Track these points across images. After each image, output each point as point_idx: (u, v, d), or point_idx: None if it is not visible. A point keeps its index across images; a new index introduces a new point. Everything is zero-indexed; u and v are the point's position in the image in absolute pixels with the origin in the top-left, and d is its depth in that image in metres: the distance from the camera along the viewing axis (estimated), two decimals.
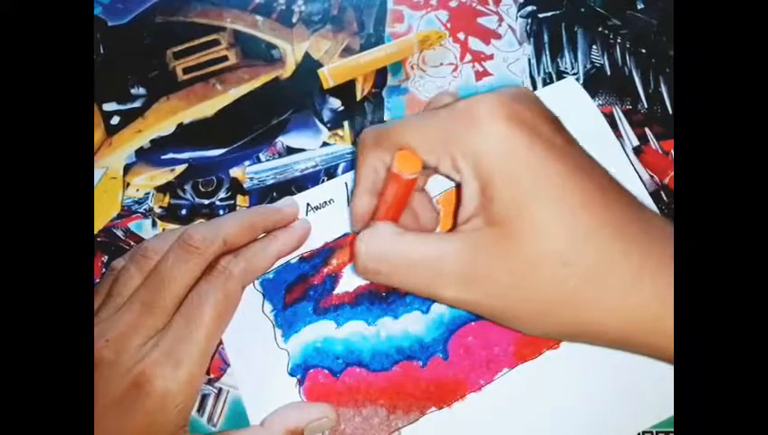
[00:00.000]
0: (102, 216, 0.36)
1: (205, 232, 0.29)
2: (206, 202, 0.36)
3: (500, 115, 0.23)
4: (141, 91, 0.39)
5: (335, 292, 0.32)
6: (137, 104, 0.39)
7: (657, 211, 0.33)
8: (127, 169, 0.37)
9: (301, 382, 0.30)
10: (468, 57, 0.39)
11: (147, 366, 0.26)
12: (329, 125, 0.38)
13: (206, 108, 0.39)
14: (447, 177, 0.26)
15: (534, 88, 0.38)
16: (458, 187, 0.25)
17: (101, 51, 0.41)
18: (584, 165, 0.24)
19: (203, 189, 0.36)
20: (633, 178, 0.34)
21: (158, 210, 0.36)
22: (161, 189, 0.37)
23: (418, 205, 0.29)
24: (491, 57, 0.39)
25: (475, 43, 0.40)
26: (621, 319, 0.22)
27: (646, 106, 0.37)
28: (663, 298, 0.21)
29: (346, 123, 0.38)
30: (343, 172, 0.36)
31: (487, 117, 0.23)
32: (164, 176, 0.37)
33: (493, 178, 0.23)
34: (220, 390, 0.31)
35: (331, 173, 0.36)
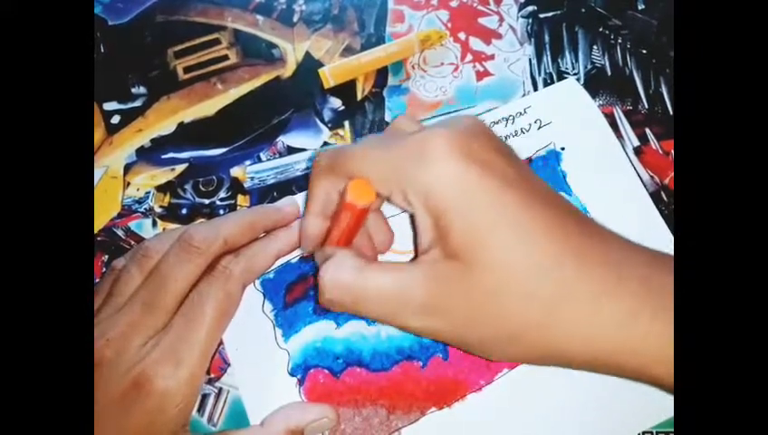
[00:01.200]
0: (103, 215, 0.36)
1: (205, 232, 0.29)
2: (207, 202, 0.36)
3: (451, 151, 0.23)
4: (142, 90, 0.39)
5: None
6: (137, 103, 0.39)
7: (655, 213, 0.33)
8: (127, 168, 0.37)
9: (301, 382, 0.30)
10: (469, 57, 0.39)
11: (147, 366, 0.26)
12: (329, 125, 0.38)
13: (207, 107, 0.39)
14: (400, 208, 0.26)
15: (535, 88, 0.38)
16: (412, 217, 0.25)
17: (102, 50, 0.41)
18: (539, 194, 0.24)
19: (203, 189, 0.36)
20: (633, 179, 0.34)
21: (158, 210, 0.36)
22: (162, 189, 0.37)
23: (373, 226, 0.30)
24: (492, 57, 0.39)
25: (475, 43, 0.40)
26: (584, 344, 0.22)
27: (646, 106, 0.37)
28: (623, 320, 0.22)
29: (347, 123, 0.38)
30: None
31: (439, 153, 0.24)
32: (164, 175, 0.37)
33: (446, 213, 0.23)
34: (220, 390, 0.31)
35: None
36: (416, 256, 0.26)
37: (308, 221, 0.29)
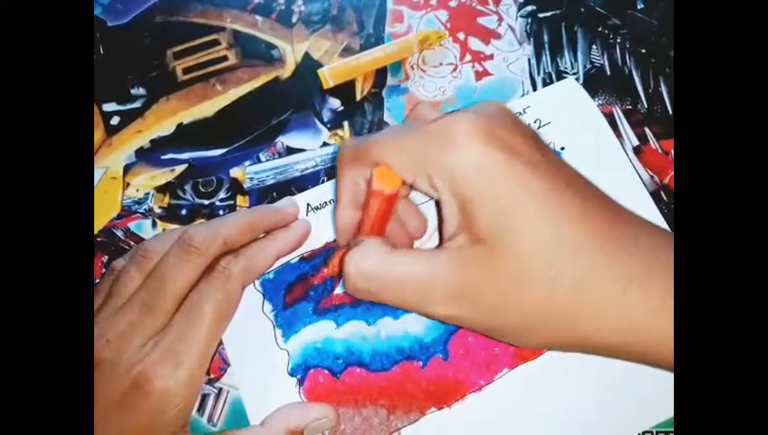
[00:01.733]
0: (102, 216, 0.36)
1: (205, 232, 0.29)
2: (206, 202, 0.36)
3: (476, 135, 0.23)
4: (141, 91, 0.39)
5: (335, 292, 0.32)
6: (137, 104, 0.39)
7: (655, 213, 0.33)
8: (127, 169, 0.37)
9: (301, 383, 0.30)
10: (468, 57, 0.39)
11: (147, 366, 0.26)
12: (329, 125, 0.38)
13: (206, 108, 0.39)
14: (426, 194, 0.26)
15: (534, 88, 0.38)
16: (438, 204, 0.25)
17: (101, 51, 0.41)
18: (565, 179, 0.24)
19: (203, 190, 0.36)
20: (633, 178, 0.34)
21: (158, 210, 0.36)
22: (161, 189, 0.37)
23: (404, 214, 0.30)
24: (491, 57, 0.39)
25: (474, 43, 0.40)
26: (611, 329, 0.22)
27: (646, 106, 0.37)
28: (652, 307, 0.21)
29: (346, 123, 0.38)
30: None
31: (463, 138, 0.23)
32: (164, 176, 0.37)
33: (472, 198, 0.23)
34: (220, 390, 0.31)
35: (331, 173, 0.36)
36: (440, 243, 0.25)
37: (339, 213, 0.28)
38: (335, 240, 0.33)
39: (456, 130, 0.24)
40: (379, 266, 0.25)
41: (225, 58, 0.40)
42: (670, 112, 0.37)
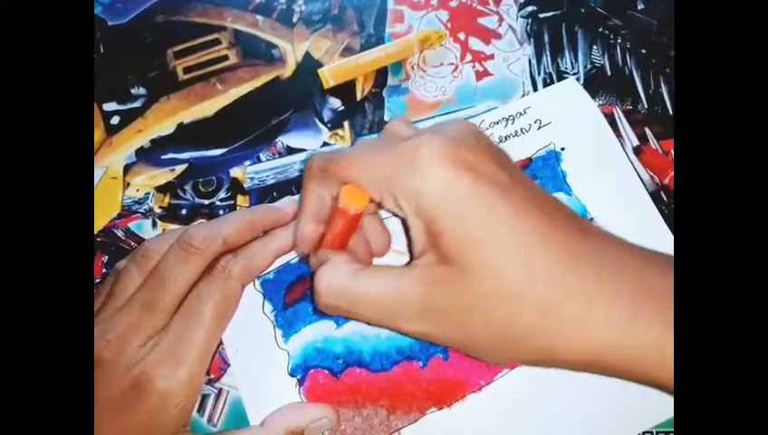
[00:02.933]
0: (102, 216, 0.36)
1: (205, 232, 0.29)
2: (207, 202, 0.36)
3: (441, 158, 0.23)
4: (141, 90, 0.39)
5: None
6: (137, 104, 0.39)
7: (655, 213, 0.33)
8: (127, 168, 0.37)
9: (301, 383, 0.30)
10: (468, 57, 0.39)
11: (147, 366, 0.26)
12: (329, 125, 0.38)
13: (207, 108, 0.39)
14: (392, 213, 0.26)
15: (535, 88, 0.38)
16: (404, 222, 0.26)
17: (101, 51, 0.41)
18: (531, 198, 0.24)
19: (203, 189, 0.36)
20: (633, 179, 0.34)
21: (158, 210, 0.36)
22: (161, 189, 0.37)
23: (369, 229, 0.30)
24: (491, 57, 0.39)
25: (475, 43, 0.40)
26: (579, 346, 0.22)
27: (646, 106, 0.37)
28: (620, 323, 0.22)
29: (346, 123, 0.38)
30: None
31: (428, 161, 0.24)
32: (164, 176, 0.37)
33: (437, 219, 0.23)
34: (220, 390, 0.31)
35: None
36: (411, 259, 0.26)
37: (302, 225, 0.28)
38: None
39: (421, 153, 0.24)
40: (349, 284, 0.25)
41: (225, 57, 0.40)
42: (670, 113, 0.37)
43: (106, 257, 0.35)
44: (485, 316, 0.23)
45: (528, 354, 0.24)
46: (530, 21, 0.40)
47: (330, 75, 0.38)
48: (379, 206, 0.26)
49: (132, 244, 0.35)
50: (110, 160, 0.37)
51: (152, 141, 0.38)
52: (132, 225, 0.36)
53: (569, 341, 0.22)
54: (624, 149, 0.35)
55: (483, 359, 0.25)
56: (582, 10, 0.40)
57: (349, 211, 0.26)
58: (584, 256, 0.23)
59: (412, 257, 0.25)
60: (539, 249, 0.23)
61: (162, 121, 0.38)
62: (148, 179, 0.37)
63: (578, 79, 0.38)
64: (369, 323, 0.26)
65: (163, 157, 0.37)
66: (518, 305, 0.22)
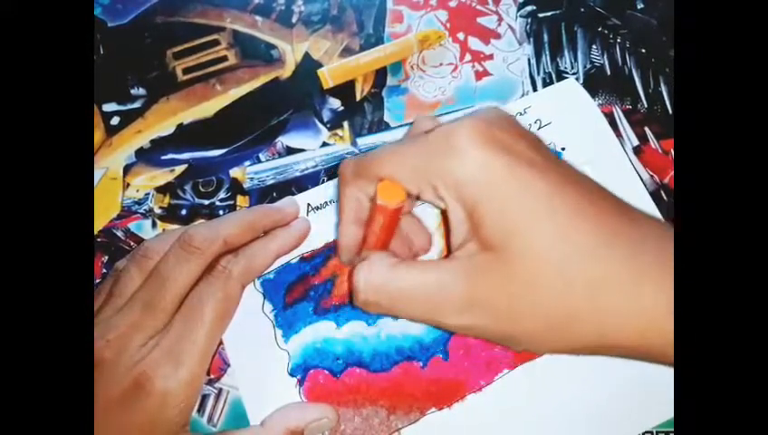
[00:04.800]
0: (102, 216, 0.36)
1: (205, 232, 0.29)
2: (206, 202, 0.36)
3: (478, 142, 0.23)
4: (141, 91, 0.39)
5: (335, 292, 0.32)
6: (137, 105, 0.39)
7: (655, 213, 0.33)
8: (127, 169, 0.37)
9: (301, 383, 0.30)
10: (468, 57, 0.39)
11: (147, 366, 0.26)
12: (328, 125, 0.38)
13: (206, 108, 0.39)
14: (432, 204, 0.26)
15: (534, 88, 0.38)
16: (444, 212, 0.25)
17: (101, 51, 0.41)
18: (569, 178, 0.24)
19: (203, 190, 0.36)
20: (633, 178, 0.34)
21: (158, 211, 0.36)
22: (161, 190, 0.37)
23: (409, 229, 0.29)
24: (491, 57, 0.39)
25: (474, 43, 0.40)
26: (627, 328, 0.22)
27: (646, 106, 0.37)
28: (667, 301, 0.21)
29: (346, 123, 0.38)
30: None
31: (465, 145, 0.23)
32: (164, 176, 0.37)
33: (478, 204, 0.23)
34: (220, 390, 0.31)
35: (331, 173, 0.36)
36: (449, 253, 0.25)
37: (343, 231, 0.28)
38: (335, 240, 0.33)
39: (457, 136, 0.23)
40: (388, 280, 0.24)
41: (224, 58, 0.40)
42: (670, 112, 0.37)
43: (106, 258, 0.35)
44: (532, 303, 0.22)
45: (577, 341, 0.23)
46: (529, 21, 0.40)
47: (329, 75, 0.38)
48: (418, 198, 0.26)
49: (132, 244, 0.35)
50: (109, 161, 0.37)
51: (152, 142, 0.38)
52: (132, 225, 0.36)
53: (618, 323, 0.22)
54: (624, 149, 0.35)
55: (530, 349, 0.24)
56: (582, 10, 0.40)
57: (389, 206, 0.25)
58: (628, 236, 0.22)
59: (451, 249, 0.25)
60: (581, 229, 0.22)
61: (162, 122, 0.38)
62: (147, 180, 0.37)
63: (577, 78, 0.38)
64: (410, 320, 0.25)
65: (163, 157, 0.37)
66: (564, 289, 0.22)
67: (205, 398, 0.31)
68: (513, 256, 0.22)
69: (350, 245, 0.28)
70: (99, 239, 0.35)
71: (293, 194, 0.35)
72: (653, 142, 0.36)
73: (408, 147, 0.25)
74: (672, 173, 0.35)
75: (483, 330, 0.24)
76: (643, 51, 0.39)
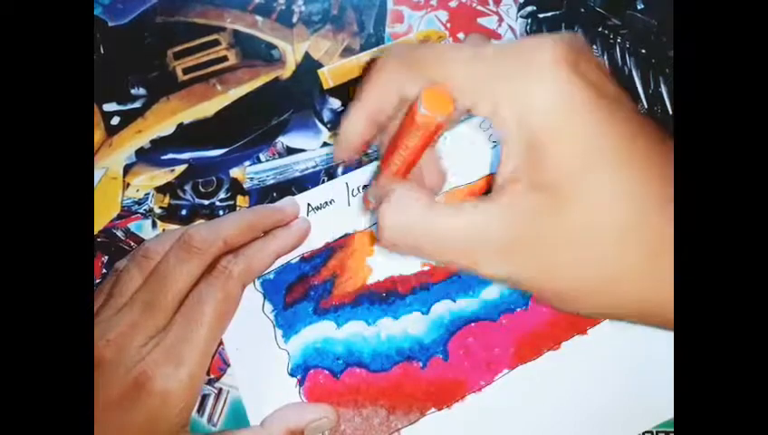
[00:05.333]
0: (102, 216, 0.36)
1: (205, 232, 0.29)
2: (206, 202, 0.36)
3: (564, 64, 0.20)
4: (141, 91, 0.39)
5: (335, 292, 0.32)
6: (137, 105, 0.39)
7: None
8: (127, 169, 0.37)
9: (301, 383, 0.30)
10: None
11: (148, 366, 0.26)
12: (329, 125, 0.38)
13: (206, 108, 0.39)
14: (488, 122, 0.22)
15: None
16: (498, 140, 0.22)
17: (101, 51, 0.41)
18: (645, 129, 0.21)
19: (203, 190, 0.36)
20: None
21: (158, 211, 0.36)
22: (161, 190, 0.37)
23: (425, 162, 0.26)
24: None
25: None
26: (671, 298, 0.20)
27: (646, 106, 0.37)
28: None
29: None
30: (343, 173, 0.36)
31: (549, 63, 0.20)
32: (164, 176, 0.37)
33: (545, 133, 0.20)
34: (220, 390, 0.31)
35: (331, 173, 0.36)
36: (488, 191, 0.22)
37: (352, 120, 0.24)
38: (336, 240, 0.33)
39: (541, 54, 0.20)
40: (420, 219, 0.22)
41: (225, 58, 0.40)
42: (670, 113, 0.37)
43: (106, 258, 0.35)
44: (582, 256, 0.20)
45: (622, 305, 0.21)
46: (529, 21, 0.40)
47: (329, 76, 0.38)
48: (466, 112, 0.22)
49: (132, 244, 0.35)
50: (110, 161, 0.37)
51: (152, 142, 0.38)
52: (132, 225, 0.36)
53: (668, 292, 0.20)
54: None
55: (565, 308, 0.22)
56: (582, 10, 0.40)
57: (435, 118, 0.21)
58: None
59: (495, 185, 0.21)
60: (653, 186, 0.20)
61: (162, 122, 0.38)
62: (147, 180, 0.37)
63: None
64: (440, 263, 0.23)
65: (163, 157, 0.37)
66: (622, 244, 0.20)
67: (205, 398, 0.31)
68: (571, 201, 0.20)
69: (351, 140, 0.24)
70: (99, 239, 0.35)
71: (294, 194, 0.35)
72: None
73: (474, 51, 0.21)
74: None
75: (522, 280, 0.21)
76: (643, 51, 0.39)
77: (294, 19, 0.41)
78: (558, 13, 0.40)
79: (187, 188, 0.37)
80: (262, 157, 0.37)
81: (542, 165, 0.20)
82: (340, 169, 0.36)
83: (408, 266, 0.32)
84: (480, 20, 0.40)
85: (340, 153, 0.26)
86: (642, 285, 0.20)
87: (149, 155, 0.38)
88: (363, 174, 0.35)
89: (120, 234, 0.35)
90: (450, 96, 0.21)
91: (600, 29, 0.40)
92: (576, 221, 0.20)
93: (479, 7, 0.41)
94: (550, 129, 0.20)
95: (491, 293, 0.31)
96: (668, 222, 0.20)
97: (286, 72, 0.40)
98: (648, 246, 0.20)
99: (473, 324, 0.31)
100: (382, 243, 0.23)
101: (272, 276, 0.33)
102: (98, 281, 0.34)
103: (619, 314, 0.22)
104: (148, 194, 0.37)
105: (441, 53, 0.22)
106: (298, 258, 0.33)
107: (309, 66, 0.40)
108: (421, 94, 0.21)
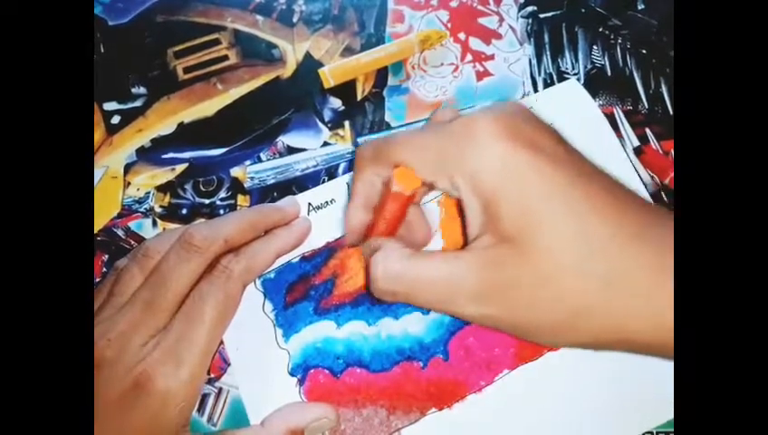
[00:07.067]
0: (103, 215, 0.36)
1: (206, 232, 0.29)
2: (207, 202, 0.36)
3: (499, 134, 0.23)
4: (142, 90, 0.39)
5: (336, 292, 0.32)
6: (137, 103, 0.39)
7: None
8: (127, 168, 0.37)
9: (301, 382, 0.30)
10: (469, 57, 0.39)
11: (148, 365, 0.26)
12: (329, 125, 0.38)
13: (207, 107, 0.39)
14: (448, 193, 0.26)
15: (535, 88, 0.38)
16: (458, 203, 0.25)
17: (102, 50, 0.41)
18: (588, 172, 0.24)
19: (203, 189, 0.36)
20: (633, 179, 0.34)
21: (158, 210, 0.36)
22: (162, 189, 0.37)
23: (412, 218, 0.29)
24: (492, 57, 0.39)
25: (475, 44, 0.40)
26: (648, 322, 0.21)
27: (646, 106, 0.37)
28: None
29: (347, 123, 0.38)
30: (344, 172, 0.36)
31: (487, 136, 0.23)
32: (164, 175, 0.37)
33: (496, 196, 0.23)
34: (220, 389, 0.31)
35: (331, 173, 0.36)
36: (465, 244, 0.25)
37: (352, 213, 0.28)
38: (336, 239, 0.33)
39: (478, 127, 0.23)
40: (406, 269, 0.25)
41: (225, 57, 0.40)
42: (671, 113, 0.37)
43: (106, 257, 0.35)
44: (548, 295, 0.22)
45: (592, 335, 0.23)
46: (530, 21, 0.40)
47: (330, 75, 0.38)
48: (431, 188, 0.26)
49: (133, 243, 0.35)
50: (110, 160, 0.37)
51: (153, 141, 0.38)
52: (133, 224, 0.36)
53: (637, 316, 0.21)
54: (625, 150, 0.35)
55: (544, 343, 0.24)
56: (582, 10, 0.40)
57: (404, 193, 0.26)
58: (648, 229, 0.22)
59: (467, 241, 0.25)
60: (599, 223, 0.22)
61: (163, 121, 0.38)
62: (148, 179, 0.37)
63: (578, 79, 0.38)
64: (427, 308, 0.26)
65: (163, 156, 0.37)
66: (581, 281, 0.22)
67: (205, 397, 0.31)
68: (530, 248, 0.22)
69: (356, 228, 0.29)
70: (99, 238, 0.35)
71: (294, 193, 0.35)
72: (654, 143, 0.36)
73: (428, 134, 0.25)
74: (672, 174, 0.35)
75: (498, 320, 0.24)
76: (644, 51, 0.39)
77: (295, 19, 0.41)
78: (558, 13, 0.40)
79: (188, 187, 0.37)
80: (262, 156, 0.37)
81: (500, 222, 0.23)
82: (340, 169, 0.36)
83: None
84: (480, 20, 0.40)
85: (351, 240, 0.30)
86: (606, 317, 0.22)
87: (150, 154, 0.38)
88: None
89: (120, 233, 0.35)
90: (416, 175, 0.25)
91: (600, 29, 0.40)
92: (538, 265, 0.22)
93: (480, 7, 0.41)
94: (497, 191, 0.23)
95: None
96: (623, 257, 0.22)
97: (287, 72, 0.40)
98: (606, 281, 0.22)
99: (473, 324, 0.31)
100: (375, 291, 0.25)
101: (272, 276, 0.33)
102: (98, 280, 0.34)
103: (593, 345, 0.24)
104: (149, 193, 0.37)
105: (402, 142, 0.26)
106: (299, 258, 0.33)
107: (309, 66, 0.40)
108: (393, 174, 0.26)
